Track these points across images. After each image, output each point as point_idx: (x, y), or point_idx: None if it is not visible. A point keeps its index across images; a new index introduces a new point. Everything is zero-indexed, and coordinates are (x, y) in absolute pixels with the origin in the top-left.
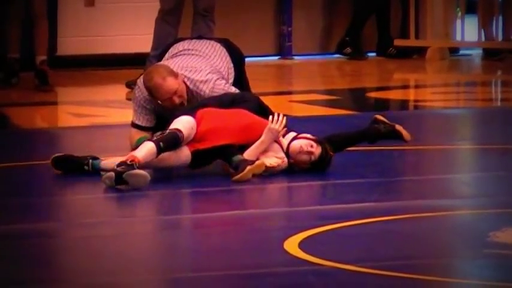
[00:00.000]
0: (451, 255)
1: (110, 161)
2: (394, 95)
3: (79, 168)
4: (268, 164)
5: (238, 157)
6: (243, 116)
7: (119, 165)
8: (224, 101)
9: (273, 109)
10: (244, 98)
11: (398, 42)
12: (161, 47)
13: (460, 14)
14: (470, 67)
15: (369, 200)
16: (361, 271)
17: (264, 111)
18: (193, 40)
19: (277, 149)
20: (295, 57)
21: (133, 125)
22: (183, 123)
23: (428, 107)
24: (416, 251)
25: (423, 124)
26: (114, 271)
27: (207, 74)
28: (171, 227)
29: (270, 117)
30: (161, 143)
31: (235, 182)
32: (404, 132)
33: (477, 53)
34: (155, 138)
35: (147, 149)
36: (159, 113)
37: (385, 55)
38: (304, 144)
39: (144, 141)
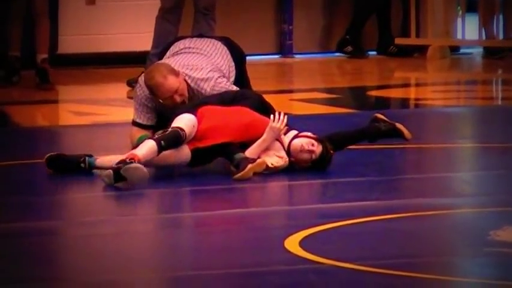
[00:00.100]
0: (451, 254)
1: (106, 159)
2: (394, 93)
3: (73, 167)
4: (269, 165)
5: (239, 155)
6: (244, 114)
7: (118, 163)
8: (225, 99)
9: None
10: (245, 95)
11: (399, 40)
12: (161, 45)
13: (460, 12)
14: (470, 66)
15: (369, 199)
16: (362, 269)
17: (266, 109)
18: (194, 38)
19: (278, 148)
20: (296, 56)
21: (134, 123)
22: (185, 122)
23: (429, 106)
24: (417, 249)
25: (424, 122)
26: (115, 269)
27: (208, 72)
28: (171, 226)
29: (272, 116)
30: (162, 142)
31: (236, 180)
32: (405, 131)
33: (478, 51)
34: (157, 136)
35: (147, 147)
36: (160, 111)
37: (385, 53)
38: (305, 142)
39: (145, 139)
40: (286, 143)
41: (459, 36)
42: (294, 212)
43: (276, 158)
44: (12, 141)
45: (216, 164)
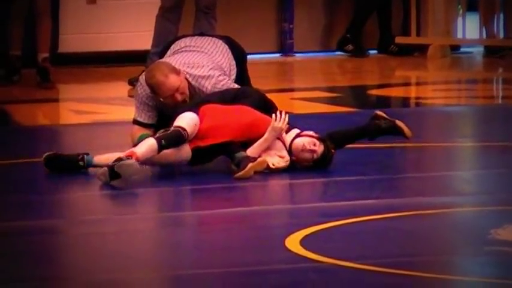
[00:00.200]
0: (452, 253)
1: (103, 157)
2: (395, 92)
3: (71, 166)
4: (271, 165)
5: (240, 154)
6: (245, 112)
7: (114, 161)
8: (226, 97)
9: None
10: (246, 93)
11: (399, 39)
12: (161, 44)
13: (461, 11)
14: (471, 65)
15: (370, 197)
16: (363, 268)
17: (268, 107)
18: (195, 37)
19: (279, 147)
20: (297, 55)
21: (135, 122)
22: (187, 121)
23: (430, 105)
24: (417, 248)
25: (424, 121)
26: (115, 269)
27: (209, 69)
28: (172, 224)
29: (273, 115)
30: (163, 140)
31: (237, 179)
32: (405, 129)
33: (478, 50)
34: (158, 135)
35: (147, 146)
36: (161, 109)
37: (386, 52)
38: (307, 142)
39: (146, 137)
40: (287, 142)
41: (460, 35)
42: (295, 210)
43: (277, 159)
44: (13, 140)
45: (217, 162)
